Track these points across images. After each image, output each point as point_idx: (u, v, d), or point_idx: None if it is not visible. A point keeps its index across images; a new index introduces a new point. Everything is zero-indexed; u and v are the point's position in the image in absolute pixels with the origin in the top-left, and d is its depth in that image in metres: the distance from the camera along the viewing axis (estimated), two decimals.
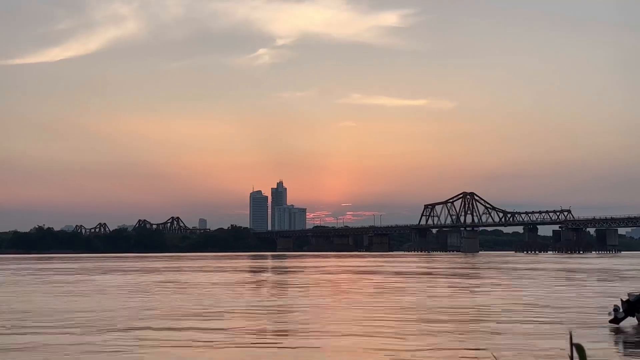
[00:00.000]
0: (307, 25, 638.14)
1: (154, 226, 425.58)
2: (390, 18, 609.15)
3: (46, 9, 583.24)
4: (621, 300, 25.82)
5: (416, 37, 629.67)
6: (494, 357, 16.47)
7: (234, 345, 22.55)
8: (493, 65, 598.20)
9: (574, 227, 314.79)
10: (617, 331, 24.80)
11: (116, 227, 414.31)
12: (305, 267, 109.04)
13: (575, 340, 3.11)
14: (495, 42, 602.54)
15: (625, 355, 20.88)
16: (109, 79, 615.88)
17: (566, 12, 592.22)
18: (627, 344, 22.69)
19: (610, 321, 25.30)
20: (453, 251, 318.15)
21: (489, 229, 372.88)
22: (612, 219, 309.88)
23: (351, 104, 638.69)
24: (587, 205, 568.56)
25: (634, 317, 25.60)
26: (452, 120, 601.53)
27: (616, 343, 23.08)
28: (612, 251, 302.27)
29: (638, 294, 25.80)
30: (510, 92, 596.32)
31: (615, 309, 25.40)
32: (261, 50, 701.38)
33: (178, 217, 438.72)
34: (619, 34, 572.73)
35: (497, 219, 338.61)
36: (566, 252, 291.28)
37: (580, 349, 3.12)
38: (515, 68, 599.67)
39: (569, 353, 3.17)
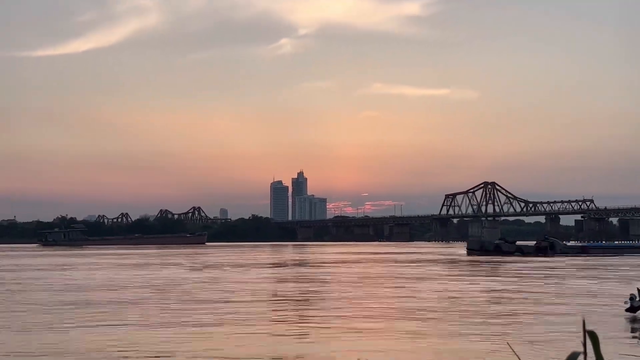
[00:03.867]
0: (329, 14, 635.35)
1: (176, 216, 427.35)
2: (412, 7, 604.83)
3: (69, 2, 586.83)
4: (637, 289, 25.36)
5: (438, 26, 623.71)
6: (510, 347, 16.34)
7: None
8: (516, 54, 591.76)
9: (596, 216, 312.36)
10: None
11: (138, 217, 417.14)
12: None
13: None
14: (518, 31, 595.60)
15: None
16: (130, 70, 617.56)
17: (591, 2, 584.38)
18: None
19: (627, 310, 24.88)
20: None
21: (511, 218, 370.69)
22: (635, 208, 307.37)
23: (373, 93, 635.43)
24: (610, 195, 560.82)
25: None
26: (474, 110, 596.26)
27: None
28: (635, 241, 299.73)
29: None
30: (533, 82, 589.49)
31: (632, 298, 24.91)
32: (283, 40, 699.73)
33: (199, 207, 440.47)
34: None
35: (518, 209, 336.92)
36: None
37: (593, 337, 3.07)
38: (539, 57, 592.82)
39: (582, 340, 3.11)
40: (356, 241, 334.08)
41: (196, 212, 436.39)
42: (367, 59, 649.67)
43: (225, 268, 69.23)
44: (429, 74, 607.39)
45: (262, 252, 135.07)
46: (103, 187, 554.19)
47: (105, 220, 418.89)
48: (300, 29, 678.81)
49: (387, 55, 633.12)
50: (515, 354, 4.61)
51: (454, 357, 18.64)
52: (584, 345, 3.08)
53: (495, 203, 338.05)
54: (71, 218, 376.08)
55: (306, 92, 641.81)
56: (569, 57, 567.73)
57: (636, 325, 23.90)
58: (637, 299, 24.83)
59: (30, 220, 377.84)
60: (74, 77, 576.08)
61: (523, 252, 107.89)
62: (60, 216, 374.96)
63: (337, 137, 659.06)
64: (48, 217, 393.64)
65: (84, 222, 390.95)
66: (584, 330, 3.08)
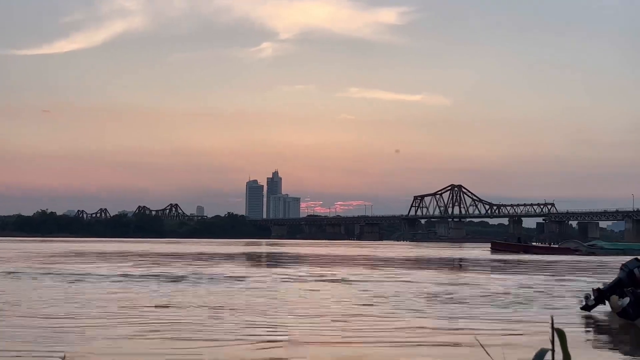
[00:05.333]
0: (309, 20, 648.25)
1: (153, 212, 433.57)
2: (388, 15, 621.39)
3: (55, 2, 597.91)
4: (592, 289, 25.43)
5: (414, 34, 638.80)
6: (479, 342, 13.79)
7: None
8: (486, 64, 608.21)
9: (557, 219, 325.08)
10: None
11: (117, 213, 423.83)
12: None
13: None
14: (490, 40, 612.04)
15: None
16: (113, 70, 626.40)
17: (567, 14, 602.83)
18: None
19: (581, 308, 24.81)
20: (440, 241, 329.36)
21: (476, 220, 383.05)
22: (593, 212, 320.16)
23: (349, 97, 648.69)
24: (570, 199, 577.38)
25: (604, 304, 24.50)
26: (445, 116, 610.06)
27: None
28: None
29: (610, 282, 24.70)
30: (502, 91, 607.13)
31: (587, 297, 24.93)
32: (264, 44, 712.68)
33: (176, 204, 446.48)
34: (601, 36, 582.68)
35: (483, 211, 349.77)
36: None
37: (561, 334, 3.14)
38: (509, 68, 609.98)
39: (550, 337, 3.16)
40: (328, 239, 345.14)
41: (173, 209, 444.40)
42: (345, 64, 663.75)
43: None
44: (403, 80, 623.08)
45: None
46: (83, 183, 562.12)
47: (85, 215, 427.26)
48: (281, 33, 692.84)
49: (364, 61, 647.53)
50: (486, 351, 4.44)
51: None
52: (552, 342, 3.18)
53: (462, 205, 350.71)
54: (51, 212, 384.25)
55: (285, 95, 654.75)
56: (538, 69, 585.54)
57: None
58: (592, 298, 25.35)
59: (11, 214, 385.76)
60: (58, 76, 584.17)
61: None
62: (40, 210, 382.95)
63: (313, 139, 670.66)
64: (28, 211, 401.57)
65: (63, 216, 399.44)
66: (552, 328, 3.18)
